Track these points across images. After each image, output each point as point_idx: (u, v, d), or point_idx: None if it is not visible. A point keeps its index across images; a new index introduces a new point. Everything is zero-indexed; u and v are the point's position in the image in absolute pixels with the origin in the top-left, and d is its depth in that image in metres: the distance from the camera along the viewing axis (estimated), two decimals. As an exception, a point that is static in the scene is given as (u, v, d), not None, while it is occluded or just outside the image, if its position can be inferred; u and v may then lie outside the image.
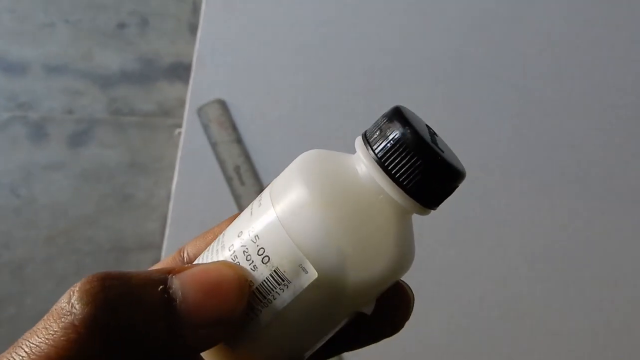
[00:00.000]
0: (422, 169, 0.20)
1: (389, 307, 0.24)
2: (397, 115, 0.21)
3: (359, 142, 0.22)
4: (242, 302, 0.20)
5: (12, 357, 0.18)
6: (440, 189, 0.21)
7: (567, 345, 0.62)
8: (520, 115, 0.68)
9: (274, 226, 0.21)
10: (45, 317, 0.19)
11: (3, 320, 0.73)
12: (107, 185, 0.80)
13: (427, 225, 0.64)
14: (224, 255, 0.22)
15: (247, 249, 0.21)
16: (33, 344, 0.18)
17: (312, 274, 0.20)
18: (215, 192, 0.64)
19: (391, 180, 0.21)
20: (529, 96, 0.69)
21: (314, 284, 0.20)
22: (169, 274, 0.20)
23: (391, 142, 0.21)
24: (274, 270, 0.21)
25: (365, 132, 0.22)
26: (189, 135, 0.67)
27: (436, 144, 0.22)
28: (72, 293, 0.19)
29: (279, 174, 0.24)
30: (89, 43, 0.84)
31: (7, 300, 0.74)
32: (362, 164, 0.22)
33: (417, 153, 0.20)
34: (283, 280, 0.21)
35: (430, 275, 0.62)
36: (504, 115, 0.68)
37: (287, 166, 0.23)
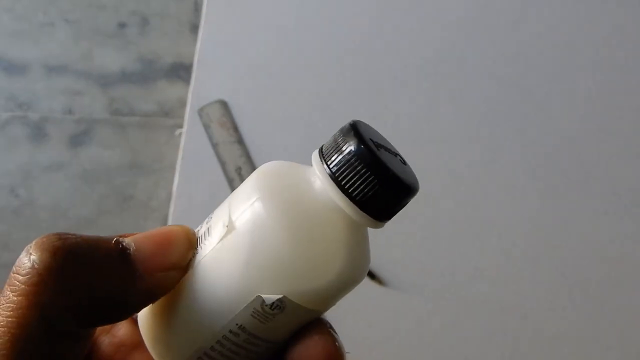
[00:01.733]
0: (373, 183, 0.21)
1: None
2: (352, 130, 0.22)
3: (314, 155, 0.23)
4: (191, 248, 0.22)
5: None
6: (391, 203, 0.22)
7: (569, 347, 0.62)
8: (522, 114, 0.68)
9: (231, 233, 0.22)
10: (8, 280, 0.20)
11: (2, 322, 0.72)
12: (107, 186, 0.80)
13: (429, 225, 0.63)
14: None
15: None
16: (10, 304, 0.19)
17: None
18: (216, 194, 0.64)
19: (342, 194, 0.21)
20: (530, 96, 0.69)
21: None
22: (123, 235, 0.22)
23: (344, 156, 0.21)
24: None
25: (322, 146, 0.23)
26: (190, 136, 0.66)
27: (391, 160, 0.22)
28: (29, 247, 0.20)
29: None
30: (89, 43, 0.84)
31: (7, 302, 0.74)
32: (316, 177, 0.22)
33: (368, 168, 0.21)
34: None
35: (432, 277, 0.62)
36: (505, 115, 0.68)
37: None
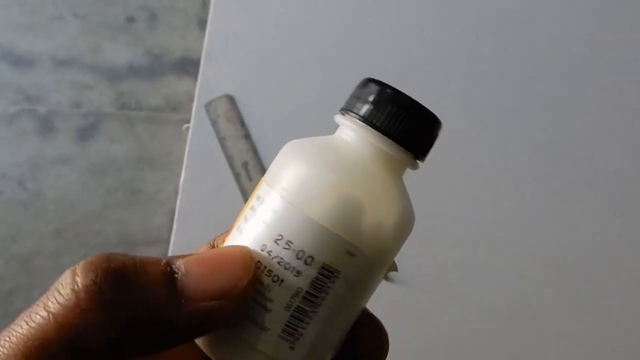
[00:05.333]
0: (406, 118, 0.22)
1: (366, 348, 0.23)
2: (371, 80, 0.24)
3: (339, 116, 0.24)
4: (247, 274, 0.20)
5: (14, 330, 0.18)
6: (424, 135, 0.23)
7: (574, 346, 0.62)
8: (531, 115, 0.68)
9: (303, 222, 0.21)
10: (46, 294, 0.19)
11: (11, 313, 0.73)
12: (114, 179, 0.80)
13: (434, 222, 0.63)
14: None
15: (281, 258, 0.21)
16: (37, 317, 0.18)
17: (362, 255, 0.21)
18: (222, 188, 0.64)
19: (381, 134, 0.22)
20: (534, 95, 0.69)
21: (362, 262, 0.21)
22: (177, 259, 0.20)
23: (373, 101, 0.23)
24: (322, 267, 0.21)
25: (343, 107, 0.24)
26: (197, 131, 0.66)
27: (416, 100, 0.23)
28: (75, 266, 0.19)
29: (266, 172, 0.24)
30: (98, 37, 0.84)
31: (15, 292, 0.74)
32: (348, 130, 0.23)
33: (399, 105, 0.22)
34: (332, 273, 0.21)
35: (439, 277, 0.62)
36: (510, 114, 0.68)
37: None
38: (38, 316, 0.18)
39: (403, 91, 0.23)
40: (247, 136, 0.65)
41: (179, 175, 0.64)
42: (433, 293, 0.61)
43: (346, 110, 0.23)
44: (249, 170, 0.64)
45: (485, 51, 0.70)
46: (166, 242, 0.77)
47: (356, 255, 0.21)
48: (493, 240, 0.64)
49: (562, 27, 0.71)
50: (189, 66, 0.82)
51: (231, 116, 0.66)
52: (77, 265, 0.19)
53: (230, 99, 0.67)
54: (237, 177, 0.64)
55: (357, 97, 0.23)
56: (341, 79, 0.69)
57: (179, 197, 0.64)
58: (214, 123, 0.66)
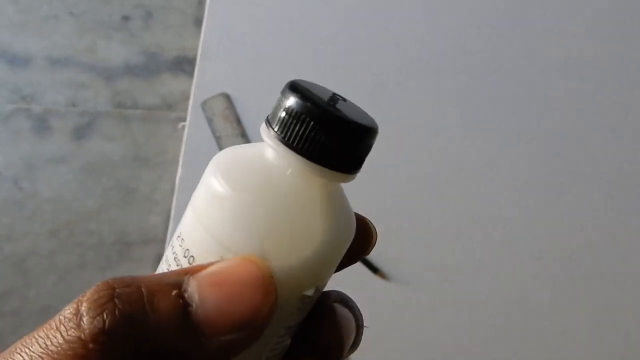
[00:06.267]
0: (320, 131, 0.19)
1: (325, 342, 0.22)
2: (289, 88, 0.20)
3: (262, 126, 0.21)
4: (268, 300, 0.18)
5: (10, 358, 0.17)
6: (347, 148, 0.20)
7: (571, 343, 0.62)
8: (525, 111, 0.68)
9: (194, 225, 0.20)
10: (48, 325, 0.17)
11: (6, 313, 0.73)
12: (110, 178, 0.80)
13: (433, 220, 0.63)
14: (166, 262, 0.21)
15: (176, 253, 0.20)
16: (34, 353, 0.17)
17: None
18: (219, 187, 0.64)
19: (294, 152, 0.19)
20: (534, 93, 0.69)
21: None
22: (185, 275, 0.18)
23: (286, 113, 0.20)
24: None
25: (267, 117, 0.21)
26: (193, 129, 0.66)
27: (337, 107, 0.20)
28: (80, 304, 0.17)
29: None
30: (93, 36, 0.84)
31: (10, 293, 0.74)
32: (267, 146, 0.20)
33: (311, 117, 0.19)
34: None
35: (436, 272, 0.62)
36: (508, 112, 0.68)
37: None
38: (40, 356, 0.17)
39: (328, 96, 0.20)
40: (243, 135, 0.65)
41: (175, 174, 0.64)
42: (432, 292, 0.61)
43: (267, 122, 0.21)
44: (245, 169, 0.63)
45: (483, 49, 0.70)
46: (162, 242, 0.77)
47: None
48: (492, 240, 0.64)
49: (561, 25, 0.71)
50: (185, 65, 0.82)
51: (227, 115, 0.65)
52: (81, 302, 0.17)
53: (226, 98, 0.67)
54: (233, 176, 0.64)
55: (275, 106, 0.21)
56: (337, 77, 0.69)
57: (175, 196, 0.64)
58: (210, 121, 0.66)
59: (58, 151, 0.80)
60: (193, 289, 0.17)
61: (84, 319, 0.17)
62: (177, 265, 0.20)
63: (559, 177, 0.66)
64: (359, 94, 0.68)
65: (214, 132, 0.65)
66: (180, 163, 0.66)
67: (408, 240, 0.62)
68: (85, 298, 0.17)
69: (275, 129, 0.20)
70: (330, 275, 0.21)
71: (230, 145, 0.64)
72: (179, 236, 0.21)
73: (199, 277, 0.18)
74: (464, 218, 0.64)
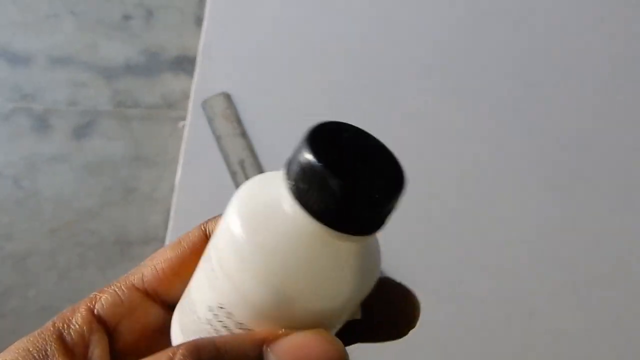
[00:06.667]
0: (338, 200, 0.18)
1: (395, 312, 0.23)
2: (309, 140, 0.18)
3: (282, 173, 0.20)
4: None
5: None
6: (368, 215, 0.19)
7: (574, 345, 0.62)
8: (528, 111, 0.68)
9: (238, 298, 0.20)
10: None
11: (6, 313, 0.73)
12: (110, 178, 0.80)
13: (434, 222, 0.63)
14: (199, 325, 0.21)
15: (225, 324, 0.20)
16: None
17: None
18: (219, 186, 0.64)
19: (313, 218, 0.18)
20: (536, 93, 0.69)
21: None
22: (263, 344, 0.18)
23: (301, 170, 0.18)
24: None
25: (285, 166, 0.20)
26: (194, 129, 0.66)
27: (359, 167, 0.19)
28: None
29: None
30: (94, 35, 0.84)
31: (10, 292, 0.74)
32: (287, 201, 0.19)
33: (327, 184, 0.18)
34: None
35: (437, 273, 0.62)
36: (511, 112, 0.68)
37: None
38: None
39: (352, 150, 0.19)
40: (244, 134, 0.65)
41: (175, 173, 0.64)
42: (432, 293, 0.61)
43: (287, 174, 0.19)
44: (245, 168, 0.64)
45: (484, 49, 0.70)
46: (162, 241, 0.77)
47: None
48: (492, 240, 0.64)
49: (563, 23, 0.71)
50: (185, 64, 0.82)
51: (228, 114, 0.65)
52: None
53: (227, 97, 0.67)
54: (233, 175, 0.64)
55: (295, 156, 0.19)
56: (338, 77, 0.69)
57: (175, 195, 0.64)
58: (210, 121, 0.66)
59: (58, 150, 0.80)
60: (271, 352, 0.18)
61: None
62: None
63: (564, 178, 0.66)
64: (359, 94, 0.68)
65: (214, 131, 0.65)
66: (181, 162, 0.66)
67: (410, 242, 0.62)
68: None
69: (292, 184, 0.19)
70: (342, 322, 0.22)
71: (231, 145, 0.64)
72: (222, 308, 0.20)
73: (278, 351, 0.18)
74: (467, 220, 0.64)
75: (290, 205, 0.19)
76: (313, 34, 0.70)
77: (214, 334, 0.20)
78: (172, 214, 0.64)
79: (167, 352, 0.18)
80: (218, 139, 0.65)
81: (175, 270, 0.24)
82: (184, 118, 0.70)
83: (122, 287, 0.23)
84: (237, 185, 0.64)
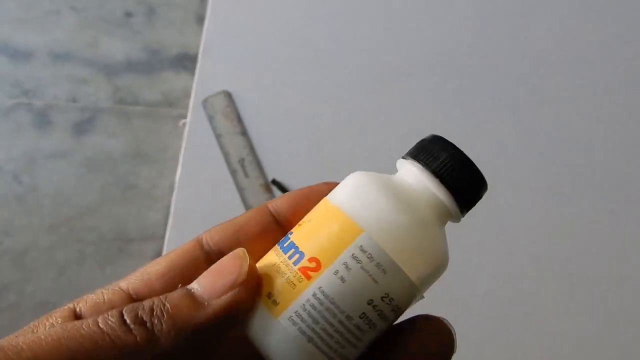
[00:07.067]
0: (464, 175, 0.26)
1: (433, 345, 0.26)
2: (441, 139, 0.27)
3: (406, 161, 0.27)
4: (244, 263, 0.24)
5: None
6: (474, 193, 0.27)
7: (572, 346, 0.62)
8: (528, 113, 0.68)
9: (405, 283, 0.25)
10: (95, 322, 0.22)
11: (4, 308, 0.73)
12: (110, 174, 0.80)
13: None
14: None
15: (381, 311, 0.24)
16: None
17: (419, 296, 0.26)
18: (219, 184, 0.64)
19: (444, 186, 0.25)
20: (536, 94, 0.69)
21: (416, 300, 0.26)
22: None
23: (445, 157, 0.26)
24: (400, 311, 0.25)
25: (410, 154, 0.27)
26: (194, 126, 0.66)
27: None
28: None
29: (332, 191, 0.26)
30: (95, 31, 0.84)
31: (8, 288, 0.74)
32: (413, 175, 0.26)
33: (460, 163, 0.26)
34: (401, 312, 0.25)
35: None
36: (511, 113, 0.68)
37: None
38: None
39: (463, 151, 0.27)
40: (244, 133, 0.65)
41: (174, 171, 0.64)
42: (432, 293, 0.61)
43: (414, 158, 0.26)
44: (245, 166, 0.64)
45: (485, 50, 0.70)
46: (161, 238, 0.77)
47: (416, 297, 0.26)
48: (490, 240, 0.64)
49: (563, 24, 0.71)
50: (186, 62, 0.82)
51: (228, 112, 0.65)
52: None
53: (228, 95, 0.67)
54: (233, 173, 0.64)
55: (424, 148, 0.27)
56: (338, 76, 0.69)
57: (175, 192, 0.64)
58: (211, 119, 0.66)
59: (58, 146, 0.80)
60: (193, 283, 0.24)
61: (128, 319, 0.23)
62: (385, 322, 0.25)
63: (563, 179, 0.66)
64: (360, 94, 0.68)
65: (214, 129, 0.66)
66: (181, 160, 0.66)
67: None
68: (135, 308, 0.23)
69: (433, 168, 0.26)
70: (423, 292, 0.26)
71: (231, 143, 0.64)
72: (386, 297, 0.25)
73: (199, 277, 0.24)
74: (465, 220, 0.64)
75: (420, 177, 0.26)
76: (314, 33, 0.70)
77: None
78: (171, 211, 0.64)
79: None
80: (218, 137, 0.65)
81: (162, 274, 0.27)
82: (184, 116, 0.71)
83: (109, 288, 0.27)
84: (237, 183, 0.64)
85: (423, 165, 0.26)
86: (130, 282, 0.27)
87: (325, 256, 0.23)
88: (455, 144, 0.27)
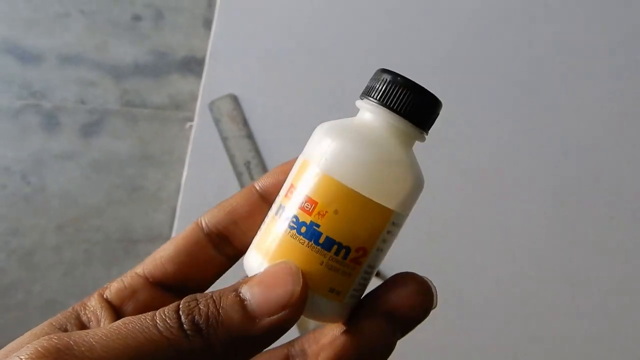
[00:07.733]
0: (414, 99, 0.28)
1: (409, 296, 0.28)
2: (384, 70, 0.29)
3: (359, 101, 0.29)
4: (297, 285, 0.25)
5: None
6: (429, 113, 0.29)
7: (572, 349, 0.62)
8: (530, 116, 0.68)
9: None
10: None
11: (11, 306, 0.74)
12: (117, 176, 0.80)
13: (434, 224, 0.64)
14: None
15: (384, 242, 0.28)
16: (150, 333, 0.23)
17: (402, 220, 0.28)
18: (224, 187, 0.64)
19: (394, 113, 0.27)
20: (539, 98, 0.69)
21: (401, 222, 0.28)
22: (239, 284, 0.25)
23: (386, 85, 0.28)
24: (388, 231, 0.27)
25: (362, 93, 0.29)
26: (200, 129, 0.67)
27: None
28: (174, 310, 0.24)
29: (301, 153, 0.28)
30: (104, 34, 0.84)
31: (16, 287, 0.75)
32: (368, 112, 0.28)
33: (407, 89, 0.28)
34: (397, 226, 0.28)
35: (437, 275, 0.62)
36: (513, 117, 0.68)
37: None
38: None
39: (409, 77, 0.28)
40: (250, 136, 0.66)
41: (181, 173, 0.65)
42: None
43: (365, 95, 0.28)
44: (250, 169, 0.64)
45: (486, 51, 0.70)
46: (167, 240, 0.77)
47: (397, 224, 0.27)
48: (492, 243, 0.64)
49: (566, 28, 0.71)
50: (193, 65, 0.83)
51: (234, 116, 0.66)
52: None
53: (234, 99, 0.67)
54: (239, 176, 0.65)
55: (373, 84, 0.28)
56: (343, 80, 0.69)
57: (181, 195, 0.65)
58: (217, 122, 0.66)
59: (66, 147, 0.81)
60: (246, 289, 0.24)
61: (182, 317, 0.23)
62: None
63: (564, 185, 0.66)
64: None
65: (220, 132, 0.66)
66: (187, 163, 0.66)
67: (410, 244, 0.63)
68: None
69: (378, 98, 0.28)
70: (406, 215, 0.28)
71: (237, 146, 0.65)
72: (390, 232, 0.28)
73: (249, 282, 0.25)
74: (467, 223, 0.64)
75: (374, 111, 0.28)
76: (320, 38, 0.70)
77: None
78: (177, 213, 0.65)
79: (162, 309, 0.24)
80: (224, 140, 0.66)
81: (171, 257, 0.30)
82: (191, 119, 0.71)
83: (127, 275, 0.30)
84: (243, 186, 0.65)
85: (372, 101, 0.28)
86: (145, 267, 0.30)
87: (368, 243, 0.26)
88: (399, 72, 0.28)
